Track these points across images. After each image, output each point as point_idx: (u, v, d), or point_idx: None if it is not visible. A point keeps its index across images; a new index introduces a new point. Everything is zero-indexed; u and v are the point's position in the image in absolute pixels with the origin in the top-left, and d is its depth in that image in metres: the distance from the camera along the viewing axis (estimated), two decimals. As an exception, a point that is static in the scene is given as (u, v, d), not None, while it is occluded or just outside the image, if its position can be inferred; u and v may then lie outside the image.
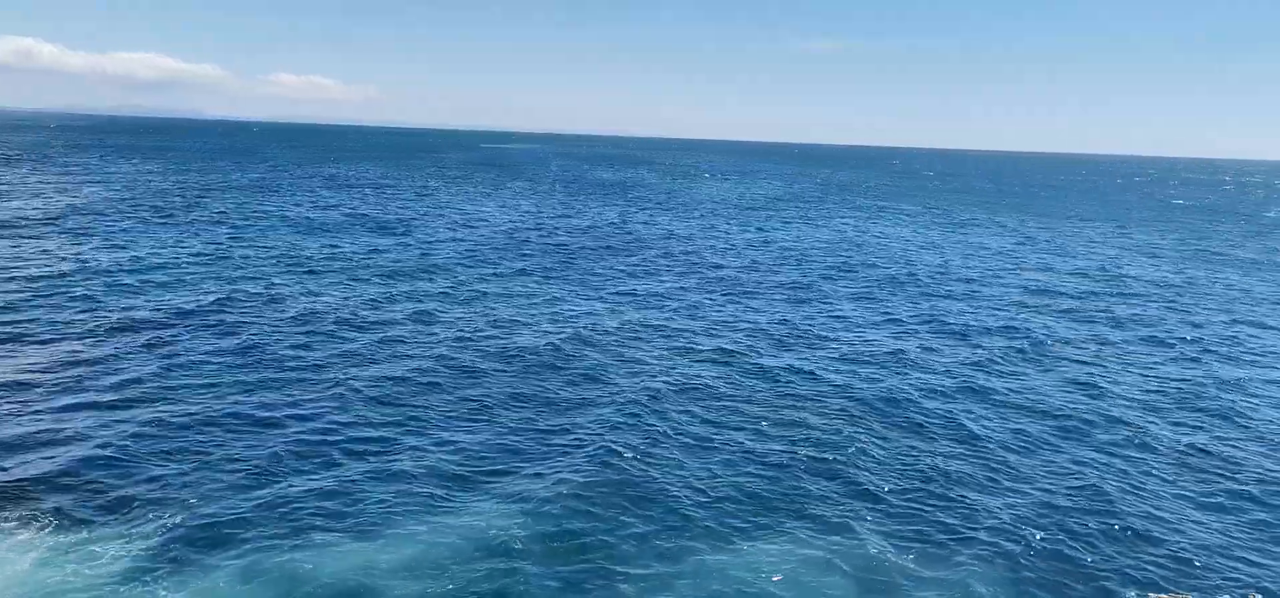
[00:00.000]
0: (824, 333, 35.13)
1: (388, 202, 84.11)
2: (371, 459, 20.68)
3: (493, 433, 22.75)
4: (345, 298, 37.76)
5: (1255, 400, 28.05)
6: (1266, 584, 16.39)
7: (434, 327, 33.54)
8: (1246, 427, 25.46)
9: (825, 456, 21.94)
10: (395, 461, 20.65)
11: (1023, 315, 40.29)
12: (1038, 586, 16.18)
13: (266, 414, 23.25)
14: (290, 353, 28.87)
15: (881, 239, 69.87)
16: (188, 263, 44.27)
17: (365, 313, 35.19)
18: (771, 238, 67.54)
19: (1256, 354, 34.24)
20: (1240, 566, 17.19)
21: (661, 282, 45.62)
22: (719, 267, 51.64)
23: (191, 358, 27.76)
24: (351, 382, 26.15)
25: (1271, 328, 39.45)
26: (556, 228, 68.44)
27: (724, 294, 42.76)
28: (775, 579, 15.95)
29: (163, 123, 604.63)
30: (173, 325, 31.46)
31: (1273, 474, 21.80)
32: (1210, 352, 34.26)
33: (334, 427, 22.62)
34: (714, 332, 34.61)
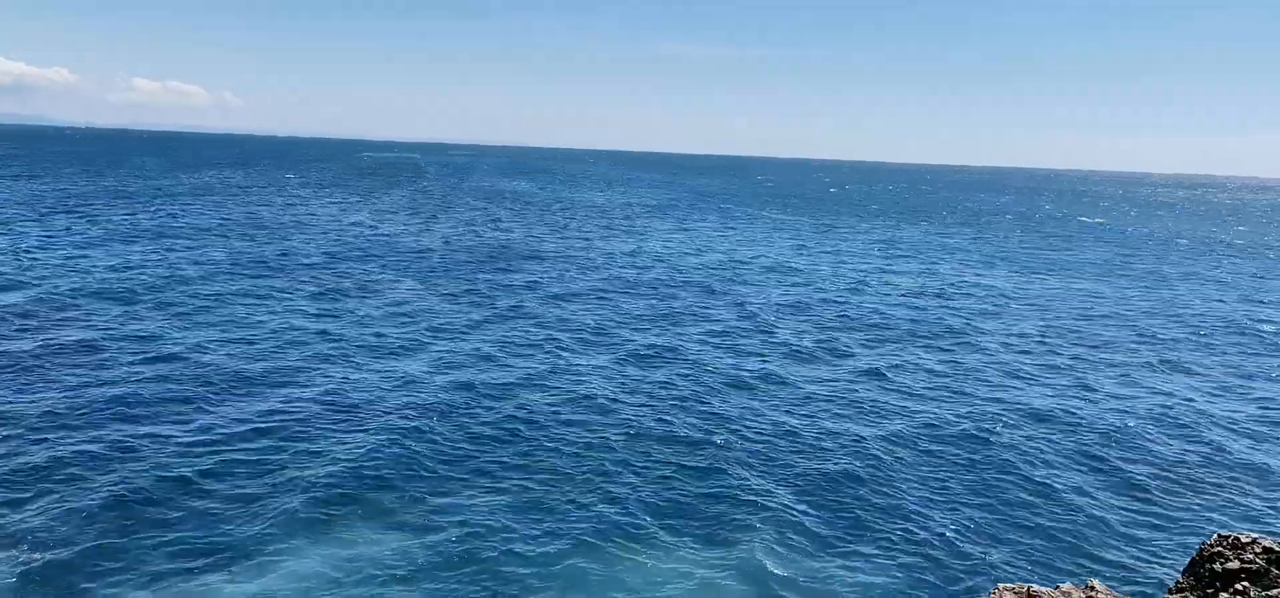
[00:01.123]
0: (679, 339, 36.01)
1: (254, 210, 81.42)
2: (239, 483, 20.14)
3: (366, 451, 22.48)
4: (206, 322, 36.49)
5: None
6: (1104, 569, 17.78)
7: (306, 342, 32.80)
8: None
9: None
10: (266, 483, 20.18)
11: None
12: (896, 577, 17.14)
13: (118, 444, 22.30)
14: (139, 373, 27.75)
15: (744, 246, 71.97)
16: (35, 278, 41.81)
17: (228, 335, 34.09)
18: (646, 247, 68.61)
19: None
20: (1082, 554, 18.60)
21: (542, 295, 45.77)
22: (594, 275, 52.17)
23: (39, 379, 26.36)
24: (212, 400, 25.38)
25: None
26: (439, 239, 67.66)
27: (598, 303, 43.24)
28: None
29: (4, 130, 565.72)
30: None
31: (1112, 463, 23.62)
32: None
33: (193, 450, 21.91)
34: (589, 342, 34.99)
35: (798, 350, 35.23)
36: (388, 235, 69.22)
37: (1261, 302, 52.18)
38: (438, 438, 23.76)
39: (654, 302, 44.86)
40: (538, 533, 18.44)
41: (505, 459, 22.36)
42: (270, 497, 19.59)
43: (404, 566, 16.83)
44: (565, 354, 33.25)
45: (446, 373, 30.08)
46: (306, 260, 53.78)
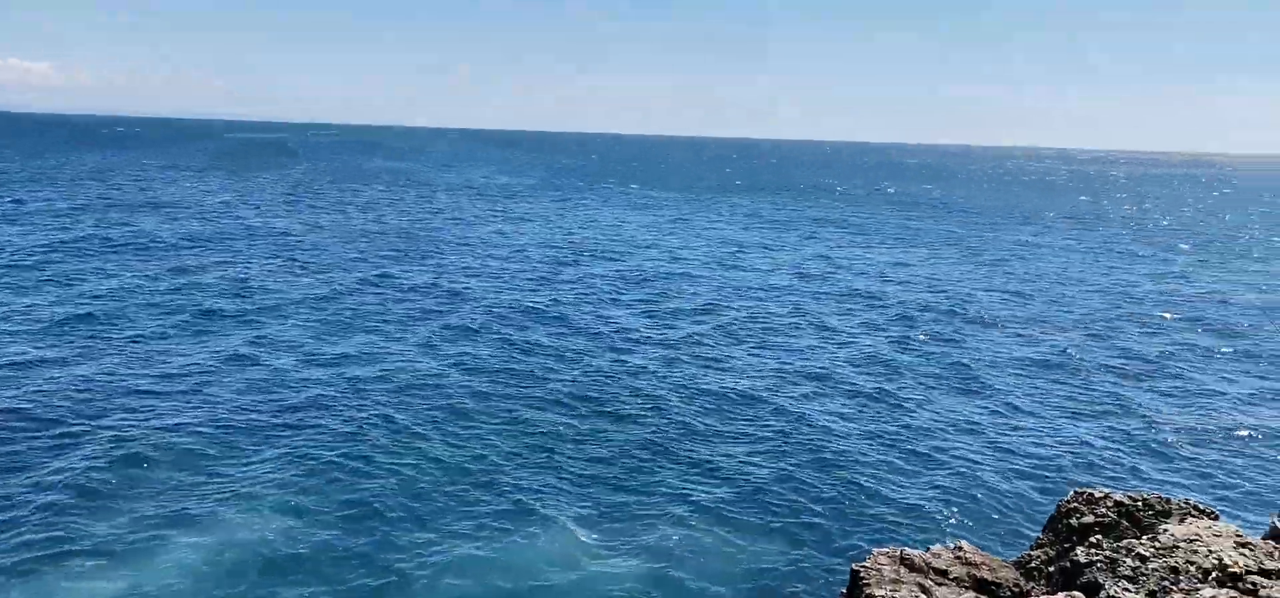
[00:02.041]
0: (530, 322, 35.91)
1: (107, 194, 76.88)
2: (106, 478, 18.96)
3: (218, 436, 21.51)
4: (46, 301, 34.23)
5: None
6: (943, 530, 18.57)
7: (152, 330, 31.19)
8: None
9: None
10: (124, 476, 19.06)
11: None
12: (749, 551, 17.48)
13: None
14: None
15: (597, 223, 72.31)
16: None
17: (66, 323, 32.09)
18: (514, 226, 68.09)
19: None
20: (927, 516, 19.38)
21: (408, 269, 44.79)
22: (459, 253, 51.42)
23: None
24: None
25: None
26: (304, 220, 65.35)
27: (451, 283, 42.64)
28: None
29: None
30: None
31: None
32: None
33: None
34: (443, 322, 34.47)
35: (679, 328, 35.56)
36: (258, 219, 66.49)
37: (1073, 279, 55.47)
38: (314, 427, 22.98)
39: (523, 283, 44.52)
40: (420, 525, 18.04)
41: (381, 450, 21.76)
42: (143, 494, 18.53)
43: (288, 559, 16.24)
44: (441, 343, 32.63)
45: (326, 361, 29.14)
46: (165, 244, 51.13)
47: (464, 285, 43.16)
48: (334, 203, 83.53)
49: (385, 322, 34.99)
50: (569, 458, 21.76)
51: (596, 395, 26.48)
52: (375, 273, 45.62)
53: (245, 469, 20.26)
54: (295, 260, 48.50)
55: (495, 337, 33.22)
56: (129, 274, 42.07)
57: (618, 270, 49.47)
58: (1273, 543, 9.72)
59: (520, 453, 21.93)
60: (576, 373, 28.79)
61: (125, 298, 36.89)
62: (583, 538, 17.68)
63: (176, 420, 23.01)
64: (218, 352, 29.59)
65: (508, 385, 27.28)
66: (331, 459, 20.91)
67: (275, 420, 23.47)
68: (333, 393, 25.97)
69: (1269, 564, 8.32)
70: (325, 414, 24.05)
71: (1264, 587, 7.89)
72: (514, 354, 30.84)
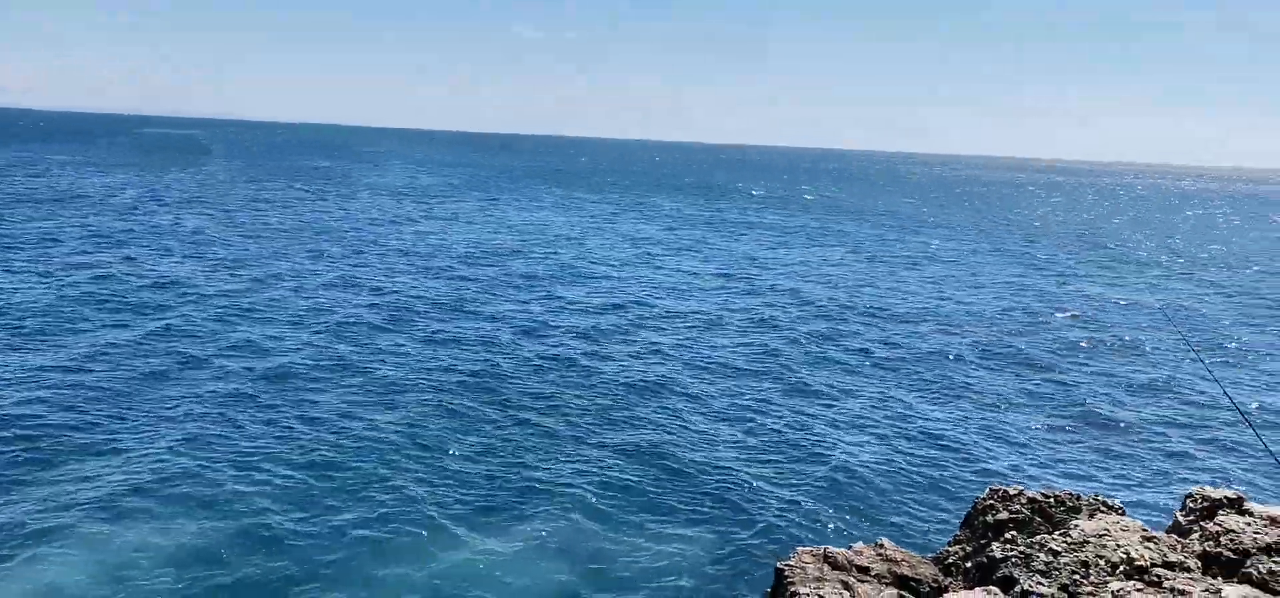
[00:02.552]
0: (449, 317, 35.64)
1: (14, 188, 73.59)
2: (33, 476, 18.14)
3: (135, 444, 20.77)
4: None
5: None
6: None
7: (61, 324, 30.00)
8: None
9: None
10: (64, 474, 18.27)
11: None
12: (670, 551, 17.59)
13: None
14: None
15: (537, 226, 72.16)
16: None
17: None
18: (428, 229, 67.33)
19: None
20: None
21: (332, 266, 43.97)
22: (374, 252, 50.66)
23: None
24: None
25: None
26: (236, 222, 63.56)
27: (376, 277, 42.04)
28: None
29: None
30: None
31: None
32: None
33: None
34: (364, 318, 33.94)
35: (592, 325, 35.57)
36: (159, 215, 64.43)
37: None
38: (211, 431, 22.34)
39: (438, 282, 44.06)
40: (321, 528, 17.63)
41: (280, 453, 21.28)
42: (32, 496, 17.75)
43: (180, 564, 15.74)
44: (353, 344, 32.05)
45: (206, 359, 28.37)
46: (61, 238, 49.17)
47: (360, 280, 42.57)
48: (245, 200, 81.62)
49: (275, 317, 34.43)
50: (463, 457, 21.52)
51: (497, 392, 26.31)
52: (270, 270, 44.74)
53: (123, 469, 19.56)
54: (188, 256, 47.45)
55: (388, 332, 32.94)
56: (22, 268, 40.41)
57: (525, 269, 49.28)
58: (1175, 537, 10.13)
59: (407, 451, 21.65)
60: (476, 367, 28.61)
61: (13, 294, 35.42)
62: (485, 543, 17.48)
63: (43, 420, 22.17)
64: (96, 345, 28.70)
65: (398, 382, 26.92)
66: (209, 461, 20.35)
67: (147, 416, 22.80)
68: (213, 390, 25.35)
69: (1171, 557, 8.67)
70: (204, 413, 23.42)
71: (1167, 578, 8.21)
72: (407, 350, 30.48)
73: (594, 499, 19.51)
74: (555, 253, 56.93)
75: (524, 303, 40.09)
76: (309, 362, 28.82)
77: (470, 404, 25.42)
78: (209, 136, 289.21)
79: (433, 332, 33.57)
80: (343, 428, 23.06)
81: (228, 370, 27.39)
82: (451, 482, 20.14)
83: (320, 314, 35.62)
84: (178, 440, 21.45)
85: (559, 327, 35.63)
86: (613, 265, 52.77)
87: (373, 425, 23.37)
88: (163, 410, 23.61)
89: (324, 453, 21.29)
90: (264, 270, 44.85)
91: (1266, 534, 9.30)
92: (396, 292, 41.09)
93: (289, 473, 20.03)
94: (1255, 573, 8.42)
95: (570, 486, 20.21)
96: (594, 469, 21.23)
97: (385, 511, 18.52)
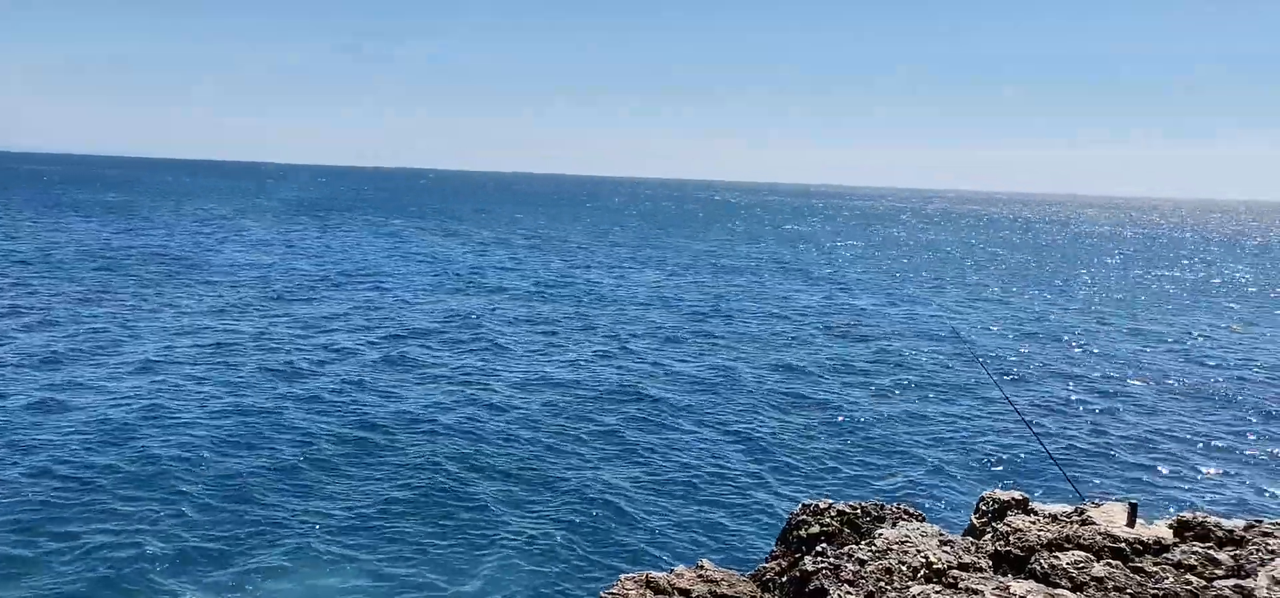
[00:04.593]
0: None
1: None
2: None
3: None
4: None
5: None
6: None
7: None
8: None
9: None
10: None
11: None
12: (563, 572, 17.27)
13: None
14: None
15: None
16: None
17: None
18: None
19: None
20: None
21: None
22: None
23: None
24: None
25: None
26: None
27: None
28: None
29: None
30: None
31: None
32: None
33: None
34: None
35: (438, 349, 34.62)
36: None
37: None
38: (74, 460, 20.18)
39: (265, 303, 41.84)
40: (192, 564, 16.25)
41: (145, 487, 19.53)
42: None
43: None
44: (199, 381, 29.85)
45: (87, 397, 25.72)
46: None
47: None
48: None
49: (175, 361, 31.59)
50: (271, 485, 20.47)
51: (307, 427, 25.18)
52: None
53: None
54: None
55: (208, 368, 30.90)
56: None
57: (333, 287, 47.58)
58: (970, 539, 10.73)
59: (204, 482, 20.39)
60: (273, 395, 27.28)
61: None
62: (304, 572, 16.63)
63: None
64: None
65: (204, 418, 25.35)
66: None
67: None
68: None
69: (966, 558, 9.17)
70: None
71: (963, 579, 8.66)
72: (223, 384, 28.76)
73: (408, 537, 18.84)
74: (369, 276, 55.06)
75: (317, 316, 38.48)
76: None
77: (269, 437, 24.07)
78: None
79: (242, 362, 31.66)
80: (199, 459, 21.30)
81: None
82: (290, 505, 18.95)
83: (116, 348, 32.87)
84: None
85: (382, 355, 34.41)
86: (437, 290, 51.64)
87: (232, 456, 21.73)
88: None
89: (186, 487, 19.60)
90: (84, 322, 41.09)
91: (1048, 531, 10.00)
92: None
93: (150, 508, 18.30)
94: (1039, 568, 9.01)
95: (379, 511, 19.46)
96: (398, 507, 20.51)
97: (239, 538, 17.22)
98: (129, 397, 27.96)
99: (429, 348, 37.43)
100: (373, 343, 37.93)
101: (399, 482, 21.99)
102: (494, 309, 48.34)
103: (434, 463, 23.37)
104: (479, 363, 35.19)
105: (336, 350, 36.08)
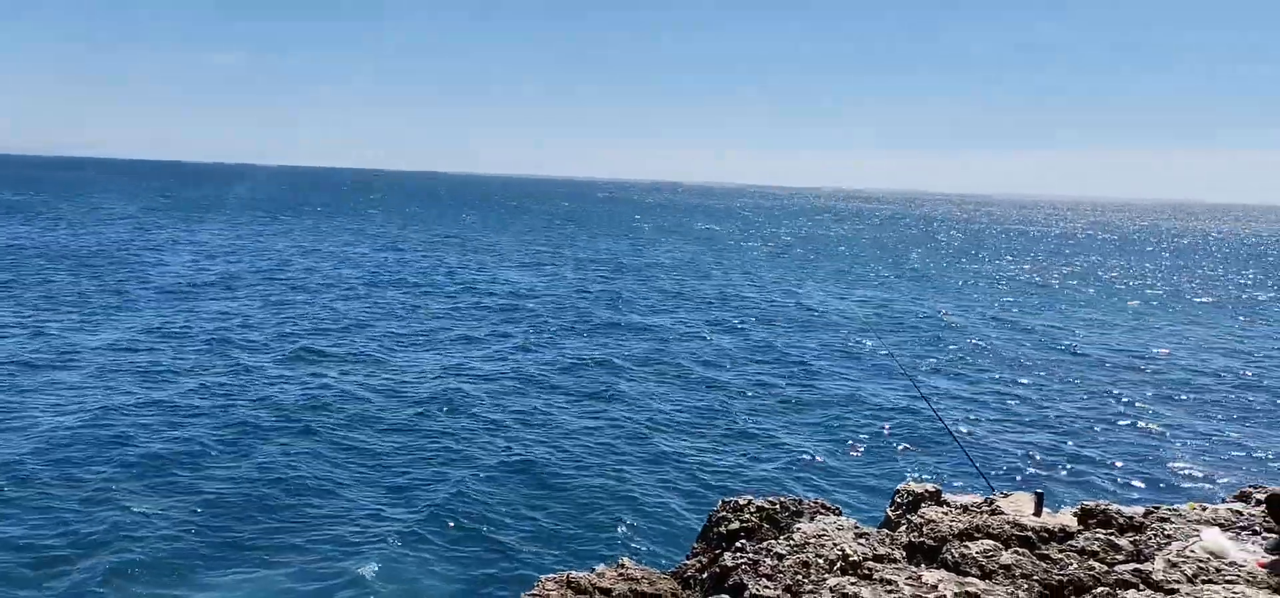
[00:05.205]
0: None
1: None
2: None
3: None
4: None
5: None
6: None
7: None
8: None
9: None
10: None
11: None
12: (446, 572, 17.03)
13: None
14: None
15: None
16: None
17: None
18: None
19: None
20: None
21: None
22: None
23: None
24: None
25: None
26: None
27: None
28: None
29: None
30: None
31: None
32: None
33: None
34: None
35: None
36: None
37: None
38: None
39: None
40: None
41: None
42: None
43: None
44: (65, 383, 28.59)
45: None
46: None
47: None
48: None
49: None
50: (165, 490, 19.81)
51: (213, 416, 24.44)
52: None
53: None
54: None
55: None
56: None
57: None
58: (885, 530, 10.94)
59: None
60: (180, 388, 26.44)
61: None
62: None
63: None
64: None
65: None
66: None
67: None
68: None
69: (880, 550, 9.34)
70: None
71: (877, 571, 8.82)
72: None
73: (323, 539, 18.41)
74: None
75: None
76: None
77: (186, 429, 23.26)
78: None
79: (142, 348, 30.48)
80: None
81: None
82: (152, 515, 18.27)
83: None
84: None
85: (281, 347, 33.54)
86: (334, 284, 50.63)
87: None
88: None
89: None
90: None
91: (959, 522, 10.26)
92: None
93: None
94: (950, 557, 9.25)
95: (277, 514, 18.96)
96: (302, 501, 20.04)
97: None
98: None
99: (324, 350, 36.66)
100: (256, 343, 36.98)
101: (283, 486, 21.47)
102: (391, 308, 47.63)
103: (340, 468, 22.87)
104: (388, 361, 34.61)
105: (210, 348, 35.07)
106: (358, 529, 19.27)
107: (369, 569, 17.37)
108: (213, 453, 23.24)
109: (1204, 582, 8.10)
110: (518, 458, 24.36)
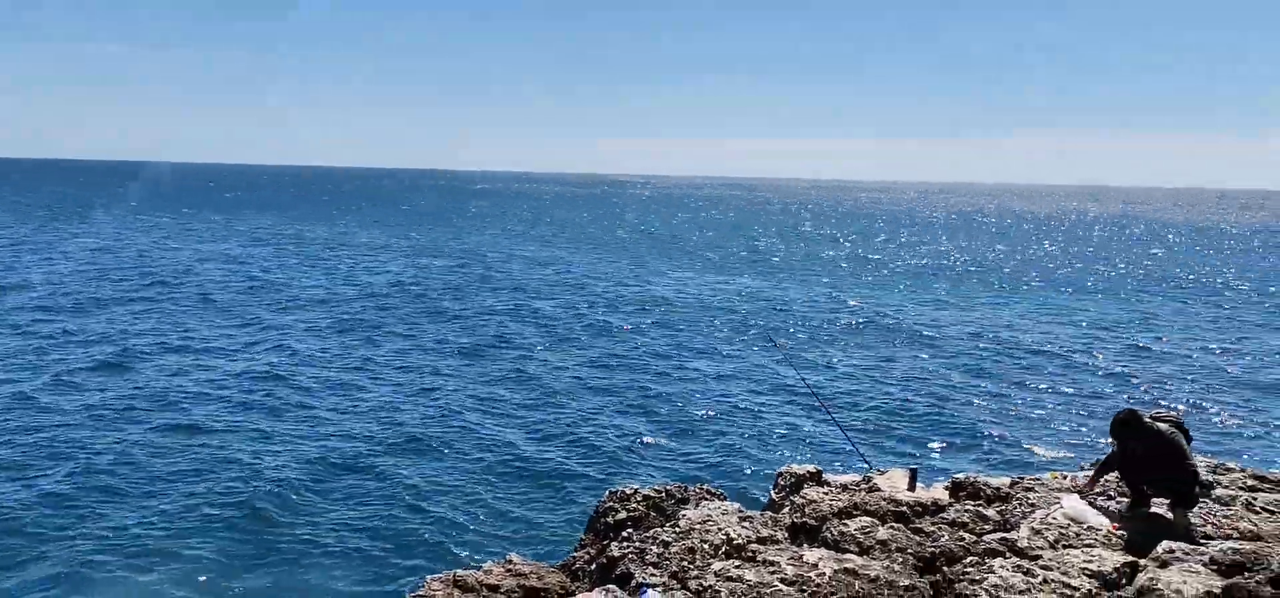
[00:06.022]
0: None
1: None
2: None
3: None
4: None
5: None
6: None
7: None
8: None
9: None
10: None
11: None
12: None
13: None
14: None
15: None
16: None
17: None
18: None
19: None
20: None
21: None
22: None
23: None
24: None
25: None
26: None
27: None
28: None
29: None
30: None
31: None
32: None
33: None
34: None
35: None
36: None
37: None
38: None
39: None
40: None
41: None
42: None
43: None
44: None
45: None
46: None
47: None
48: None
49: None
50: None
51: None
52: None
53: None
54: None
55: None
56: None
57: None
58: (770, 513, 11.14)
59: None
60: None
61: None
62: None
63: None
64: None
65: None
66: None
67: None
68: None
69: (764, 533, 9.50)
70: None
71: (761, 552, 8.96)
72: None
73: (185, 553, 17.61)
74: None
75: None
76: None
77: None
78: None
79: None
80: None
81: None
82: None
83: None
84: None
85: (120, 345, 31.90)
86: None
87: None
88: None
89: None
90: None
91: (839, 501, 10.55)
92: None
93: None
94: (830, 536, 9.49)
95: (136, 517, 18.08)
96: (172, 518, 19.16)
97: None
98: None
99: (210, 352, 35.14)
100: (143, 348, 35.21)
101: (172, 493, 20.49)
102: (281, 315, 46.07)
103: (213, 470, 21.93)
104: (262, 361, 33.36)
105: (111, 352, 33.19)
106: (239, 535, 18.49)
107: (245, 573, 16.71)
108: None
109: (1064, 547, 8.55)
110: (396, 456, 23.83)
